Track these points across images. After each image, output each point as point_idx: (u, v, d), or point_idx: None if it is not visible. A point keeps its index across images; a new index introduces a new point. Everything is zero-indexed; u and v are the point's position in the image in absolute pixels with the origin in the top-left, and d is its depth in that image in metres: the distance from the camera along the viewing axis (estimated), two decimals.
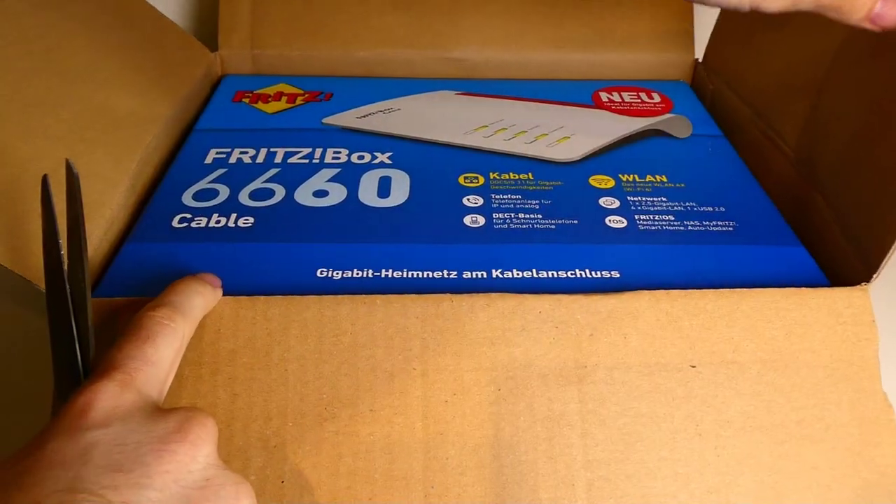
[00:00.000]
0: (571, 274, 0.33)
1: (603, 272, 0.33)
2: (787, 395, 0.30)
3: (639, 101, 0.48)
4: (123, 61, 0.43)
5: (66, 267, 0.27)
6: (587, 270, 0.33)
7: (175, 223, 0.35)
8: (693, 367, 0.30)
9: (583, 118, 0.46)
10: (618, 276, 0.32)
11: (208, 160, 0.41)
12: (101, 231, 0.34)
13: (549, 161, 0.41)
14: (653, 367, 0.30)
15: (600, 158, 0.41)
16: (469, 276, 0.32)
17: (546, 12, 0.52)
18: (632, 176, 0.40)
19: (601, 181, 0.39)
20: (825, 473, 0.29)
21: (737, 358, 0.30)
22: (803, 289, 0.31)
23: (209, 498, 0.22)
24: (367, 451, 0.28)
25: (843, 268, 0.34)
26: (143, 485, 0.21)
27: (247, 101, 0.47)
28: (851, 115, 0.36)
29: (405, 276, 0.32)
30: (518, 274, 0.33)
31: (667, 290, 0.30)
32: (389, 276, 0.32)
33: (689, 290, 0.30)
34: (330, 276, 0.32)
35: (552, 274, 0.32)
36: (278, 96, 0.48)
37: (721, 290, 0.31)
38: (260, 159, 0.41)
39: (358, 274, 0.32)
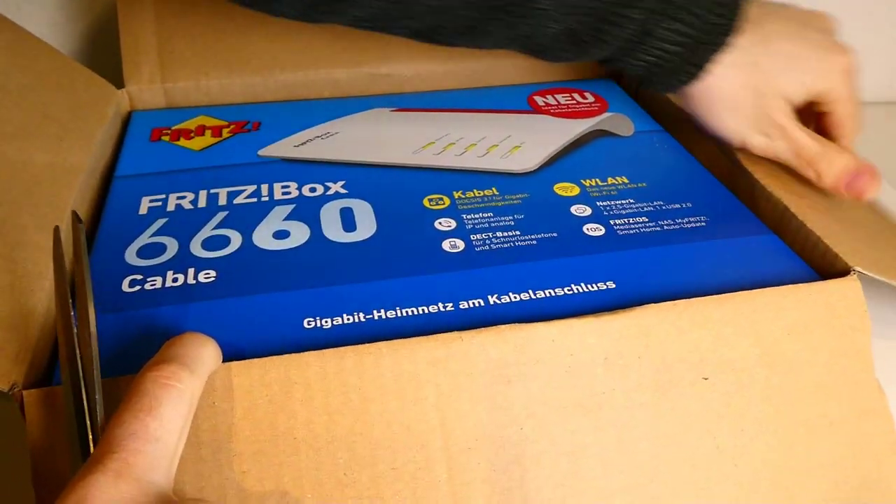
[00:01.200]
0: (568, 290, 0.32)
1: (598, 284, 0.32)
2: (792, 397, 0.30)
3: (574, 102, 0.48)
4: (28, 108, 0.38)
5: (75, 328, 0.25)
6: (583, 284, 0.32)
7: (125, 287, 0.31)
8: (705, 378, 0.30)
9: (527, 124, 0.45)
10: (613, 286, 0.32)
11: (143, 210, 0.37)
12: (43, 305, 0.29)
13: (509, 173, 0.40)
14: (667, 385, 0.29)
15: (558, 165, 0.41)
16: (465, 307, 0.31)
17: None
18: (594, 180, 0.40)
19: (566, 189, 0.39)
20: (831, 470, 0.30)
21: (745, 365, 0.30)
22: (800, 285, 0.31)
23: None
24: None
25: (812, 253, 0.35)
26: None
27: (167, 138, 0.43)
28: None
29: (400, 314, 0.30)
30: (515, 297, 0.31)
31: (673, 303, 0.30)
32: (383, 316, 0.30)
33: (693, 300, 0.30)
34: (320, 325, 0.30)
35: (549, 293, 0.31)
36: (201, 130, 0.44)
37: (724, 296, 0.30)
38: (202, 203, 0.37)
39: (349, 319, 0.30)
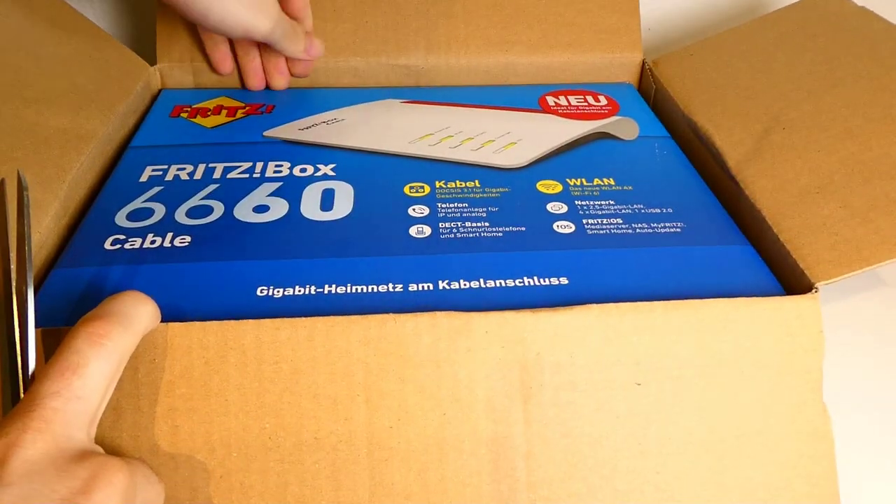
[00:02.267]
0: (519, 282, 0.32)
1: (551, 279, 0.32)
2: (729, 410, 0.30)
3: (585, 104, 0.48)
4: (55, 77, 0.41)
5: (13, 282, 0.26)
6: (535, 278, 0.32)
7: (108, 245, 0.34)
8: (638, 384, 0.30)
9: (529, 123, 0.46)
10: (566, 282, 0.32)
11: (143, 178, 0.39)
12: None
13: (496, 167, 0.40)
14: (598, 386, 0.29)
15: (548, 163, 0.41)
16: (415, 289, 0.31)
17: (490, 16, 0.51)
18: (579, 180, 0.39)
19: (549, 186, 0.39)
20: (761, 488, 0.29)
21: (683, 373, 0.30)
22: (754, 298, 0.30)
23: None
24: (313, 479, 0.28)
25: (783, 266, 0.34)
26: None
27: (185, 115, 0.46)
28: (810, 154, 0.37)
29: (349, 290, 0.31)
30: (465, 284, 0.32)
31: (616, 304, 0.30)
32: (333, 291, 0.31)
33: (639, 304, 0.30)
34: (271, 294, 0.31)
35: (499, 283, 0.32)
36: (218, 110, 0.46)
37: (671, 302, 0.30)
38: (198, 175, 0.39)
39: (300, 291, 0.31)
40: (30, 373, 0.26)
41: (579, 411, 0.29)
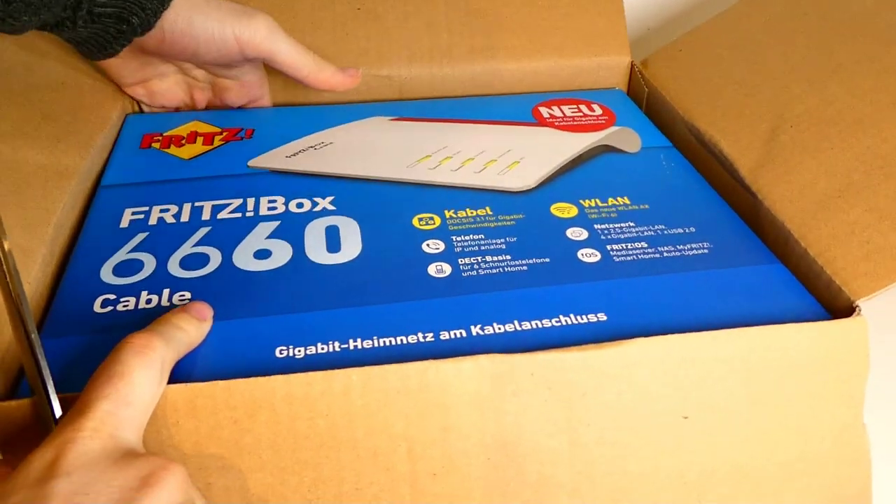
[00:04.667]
0: (556, 322, 0.30)
1: (589, 316, 0.30)
2: (773, 438, 0.29)
3: (581, 114, 0.46)
4: (31, 107, 0.37)
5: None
6: (572, 316, 0.30)
7: (97, 307, 0.30)
8: (685, 418, 0.29)
9: (528, 138, 0.44)
10: (605, 318, 0.30)
11: (124, 223, 0.36)
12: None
13: (505, 191, 0.38)
14: (645, 422, 0.28)
15: (557, 183, 0.39)
16: (447, 337, 0.29)
17: (473, 23, 0.49)
18: (593, 201, 0.38)
19: (563, 210, 0.37)
20: None
21: (729, 405, 0.29)
22: (799, 325, 0.29)
23: None
24: None
25: (817, 282, 0.33)
26: None
27: (157, 145, 0.42)
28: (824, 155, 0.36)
29: (376, 344, 0.29)
30: (499, 328, 0.30)
31: (663, 337, 0.28)
32: (359, 346, 0.29)
33: (685, 336, 0.28)
34: (292, 354, 0.28)
35: (536, 324, 0.30)
36: (192, 137, 0.43)
37: (717, 332, 0.29)
38: (185, 217, 0.36)
39: (323, 349, 0.29)
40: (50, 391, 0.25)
41: (625, 449, 0.28)
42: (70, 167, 0.36)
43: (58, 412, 0.25)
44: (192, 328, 0.28)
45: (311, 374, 0.27)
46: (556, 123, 0.45)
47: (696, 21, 0.50)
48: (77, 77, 0.42)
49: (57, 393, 0.25)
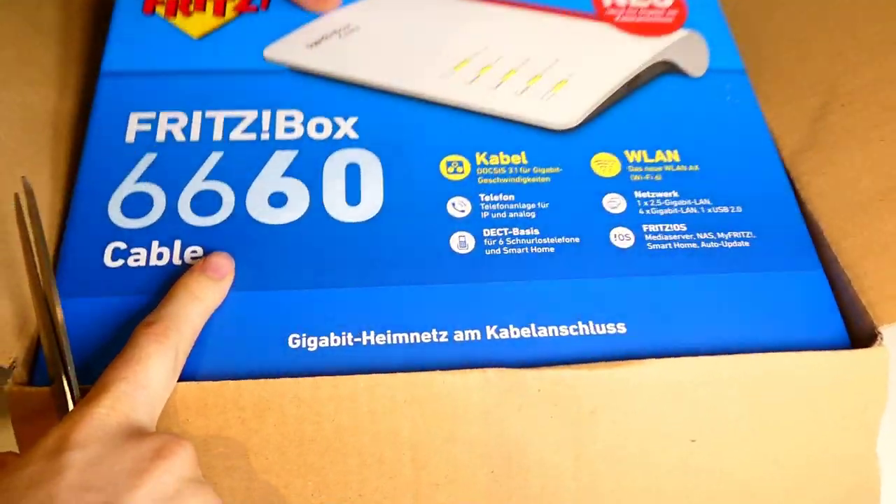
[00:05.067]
0: (574, 330, 0.29)
1: (608, 326, 0.30)
2: (782, 464, 0.29)
3: (647, 6, 0.40)
4: None
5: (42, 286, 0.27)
6: (591, 323, 0.30)
7: (108, 260, 0.30)
8: (693, 441, 0.29)
9: (581, 43, 0.38)
10: (624, 330, 0.29)
11: (130, 136, 0.33)
12: None
13: (544, 127, 0.35)
14: (652, 443, 0.29)
15: (603, 126, 0.35)
16: (461, 338, 0.29)
17: None
18: (639, 154, 0.34)
19: (605, 165, 0.34)
20: None
21: (739, 428, 0.29)
22: (817, 353, 0.29)
23: None
24: None
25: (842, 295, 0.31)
26: (110, 502, 0.21)
27: (161, 11, 0.37)
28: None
29: (389, 340, 0.29)
30: (515, 332, 0.29)
31: (675, 360, 0.28)
32: (372, 342, 0.29)
33: (699, 359, 0.28)
34: (305, 345, 0.28)
35: (553, 331, 0.29)
36: (201, 4, 0.37)
37: (731, 357, 0.28)
38: (195, 134, 0.33)
39: (336, 341, 0.29)
40: (68, 360, 0.26)
41: (631, 468, 0.29)
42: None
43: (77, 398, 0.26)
44: (209, 293, 0.29)
45: (319, 378, 0.27)
46: (617, 18, 0.39)
47: None
48: None
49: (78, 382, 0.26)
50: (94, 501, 0.21)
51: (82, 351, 0.28)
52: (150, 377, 0.25)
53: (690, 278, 0.31)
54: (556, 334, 0.29)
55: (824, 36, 0.36)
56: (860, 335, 0.30)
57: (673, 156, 0.35)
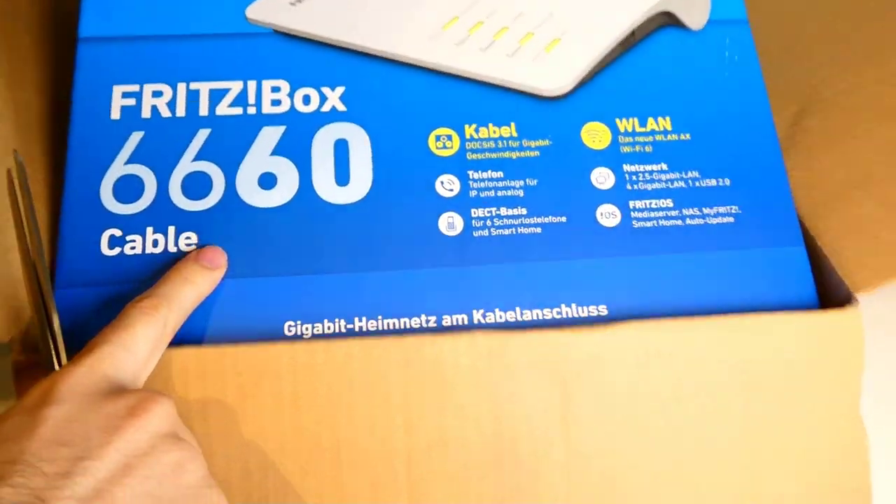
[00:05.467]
0: (557, 313, 0.31)
1: (590, 308, 0.31)
2: (769, 425, 0.30)
3: None
4: None
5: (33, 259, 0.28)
6: (573, 306, 0.31)
7: (105, 248, 0.30)
8: (678, 401, 0.30)
9: None
10: (605, 313, 0.31)
11: (115, 112, 0.32)
12: None
13: (535, 95, 0.34)
14: (638, 404, 0.30)
15: (595, 91, 0.34)
16: (449, 323, 0.30)
17: None
18: (631, 122, 0.34)
19: (595, 135, 0.33)
20: (797, 500, 0.30)
21: (723, 390, 0.30)
22: (794, 314, 0.30)
23: (149, 464, 0.23)
24: (353, 501, 0.29)
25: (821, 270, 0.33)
26: (82, 456, 0.22)
27: None
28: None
29: (380, 326, 0.30)
30: (500, 316, 0.31)
31: (656, 321, 0.30)
32: (364, 328, 0.30)
33: (678, 321, 0.30)
34: (300, 332, 0.30)
35: (537, 314, 0.31)
36: None
37: (710, 318, 0.30)
38: (180, 109, 0.33)
39: (330, 328, 0.30)
40: (56, 331, 0.28)
41: (618, 428, 0.30)
42: None
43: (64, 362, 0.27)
44: (202, 279, 0.29)
45: (314, 343, 0.29)
46: None
47: None
48: None
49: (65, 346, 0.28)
50: (66, 456, 0.22)
51: (83, 341, 0.29)
52: (135, 342, 0.26)
53: (673, 257, 0.32)
54: (540, 317, 0.31)
55: (800, 52, 0.37)
56: (839, 305, 0.31)
57: (665, 123, 0.34)
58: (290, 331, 0.30)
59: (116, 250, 0.31)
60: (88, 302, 0.30)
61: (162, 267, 0.30)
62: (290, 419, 0.29)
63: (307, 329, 0.30)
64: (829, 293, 0.32)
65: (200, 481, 0.24)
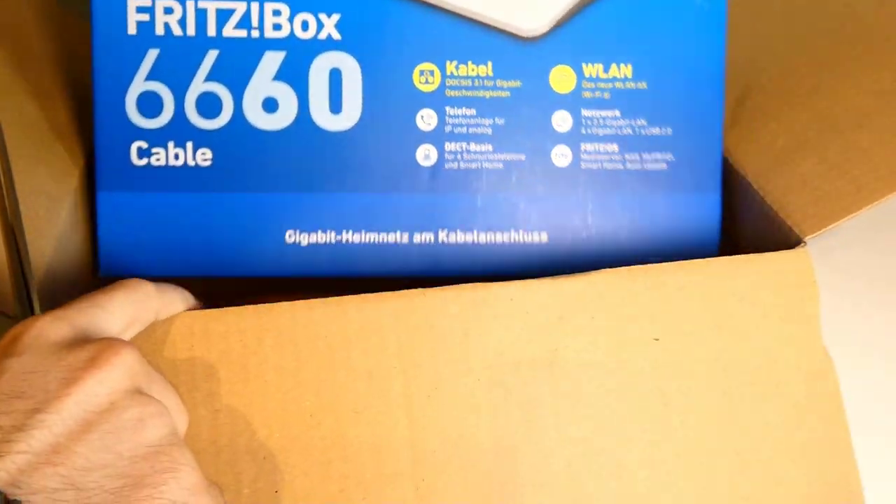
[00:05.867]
0: (506, 237, 0.38)
1: (533, 234, 0.38)
2: (740, 358, 0.33)
3: None
4: None
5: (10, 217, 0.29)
6: (521, 232, 0.38)
7: (134, 158, 0.36)
8: (656, 339, 0.33)
9: None
10: (546, 240, 0.38)
11: (131, 27, 0.36)
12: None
13: (513, 35, 0.37)
14: (619, 344, 0.33)
15: (566, 34, 0.37)
16: (419, 241, 0.38)
17: None
18: (595, 67, 0.38)
19: (562, 79, 0.38)
20: (776, 427, 0.33)
21: (695, 328, 0.33)
22: (751, 255, 0.34)
23: (109, 420, 0.23)
24: (356, 454, 0.31)
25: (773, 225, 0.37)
26: (39, 409, 0.21)
27: None
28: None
29: (364, 240, 0.37)
30: (461, 237, 0.38)
31: (628, 268, 0.33)
32: (350, 240, 0.37)
33: (649, 266, 0.34)
34: (298, 241, 0.37)
35: (490, 237, 0.38)
36: None
37: (679, 262, 0.34)
38: (190, 28, 0.36)
39: (322, 238, 0.37)
40: (32, 288, 0.28)
41: (603, 369, 0.32)
42: None
43: None
44: (192, 303, 0.32)
45: (312, 301, 0.32)
46: None
47: None
48: None
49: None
50: (22, 408, 0.21)
51: (113, 241, 0.36)
52: (111, 303, 0.26)
53: (611, 197, 0.38)
54: (493, 241, 0.38)
55: (739, 49, 0.40)
56: (790, 248, 0.36)
57: (626, 71, 0.38)
58: (290, 238, 0.37)
59: (144, 161, 0.36)
60: (124, 205, 0.36)
61: (184, 177, 0.36)
62: (292, 374, 0.31)
63: (304, 238, 0.37)
64: (781, 241, 0.37)
65: (163, 439, 0.24)
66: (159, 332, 0.31)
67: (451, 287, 0.33)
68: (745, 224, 0.40)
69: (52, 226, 0.35)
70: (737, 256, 0.34)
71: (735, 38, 0.40)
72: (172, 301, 0.31)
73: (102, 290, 0.27)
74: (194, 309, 0.32)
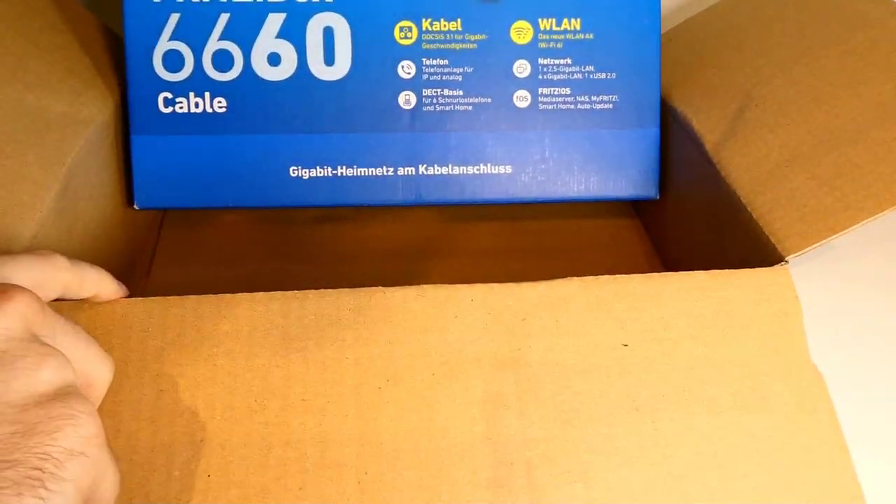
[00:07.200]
0: (476, 169, 0.45)
1: (499, 167, 0.45)
2: (720, 369, 0.31)
3: None
4: (56, 63, 0.40)
5: None
6: (489, 165, 0.45)
7: (161, 106, 0.43)
8: (625, 345, 0.32)
9: None
10: (510, 171, 0.45)
11: None
12: (30, 232, 0.34)
13: None
14: (586, 347, 0.31)
15: None
16: (403, 173, 0.44)
17: None
18: (550, 21, 0.44)
19: (521, 32, 0.44)
20: (764, 441, 0.31)
21: (668, 336, 0.32)
22: (728, 270, 0.34)
23: (2, 366, 0.22)
24: (298, 441, 0.29)
25: (758, 242, 0.36)
26: None
27: None
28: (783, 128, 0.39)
29: (355, 174, 0.44)
30: (438, 170, 0.44)
31: (595, 277, 0.33)
32: (344, 174, 0.44)
33: (617, 276, 0.33)
34: (300, 175, 0.44)
35: (462, 169, 0.45)
36: None
37: (649, 274, 0.33)
38: None
39: (320, 172, 0.44)
40: None
41: (570, 371, 0.31)
42: (89, 117, 0.39)
43: None
44: (114, 289, 0.31)
45: (272, 292, 0.31)
46: None
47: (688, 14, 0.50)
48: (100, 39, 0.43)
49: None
50: None
51: (145, 177, 0.43)
52: (17, 261, 0.25)
53: (566, 133, 0.45)
54: (465, 172, 0.45)
55: (739, 58, 0.44)
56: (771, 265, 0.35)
57: (576, 24, 0.45)
58: (293, 173, 0.44)
59: (170, 109, 0.43)
60: (155, 146, 0.43)
61: (205, 122, 0.43)
62: (243, 359, 0.30)
63: (305, 172, 0.44)
64: (765, 258, 0.36)
65: (61, 388, 0.23)
66: (118, 314, 0.31)
67: (412, 287, 0.32)
68: (733, 240, 0.39)
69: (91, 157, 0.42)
70: (714, 271, 0.33)
71: (740, 47, 0.45)
72: (86, 279, 0.29)
73: (14, 252, 0.26)
74: (114, 293, 0.31)
